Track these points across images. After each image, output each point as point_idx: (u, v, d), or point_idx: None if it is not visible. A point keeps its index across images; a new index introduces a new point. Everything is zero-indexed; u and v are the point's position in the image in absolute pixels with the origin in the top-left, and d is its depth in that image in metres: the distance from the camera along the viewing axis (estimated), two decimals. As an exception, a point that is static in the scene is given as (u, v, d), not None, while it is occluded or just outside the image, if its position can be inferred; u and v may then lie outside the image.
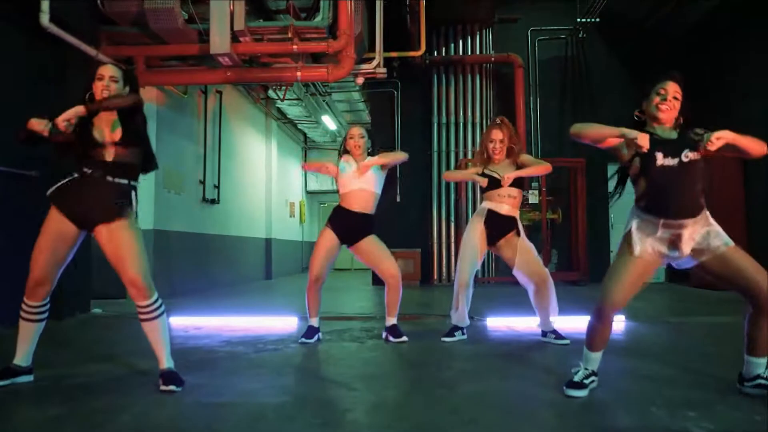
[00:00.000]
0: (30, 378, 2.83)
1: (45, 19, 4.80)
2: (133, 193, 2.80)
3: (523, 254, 3.94)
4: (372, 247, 4.02)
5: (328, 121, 12.98)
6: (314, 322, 4.09)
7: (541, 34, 10.04)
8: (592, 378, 2.63)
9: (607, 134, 2.50)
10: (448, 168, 9.72)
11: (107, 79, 2.78)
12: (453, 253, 9.67)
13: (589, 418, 2.31)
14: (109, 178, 2.71)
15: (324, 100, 11.53)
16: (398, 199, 9.79)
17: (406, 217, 9.81)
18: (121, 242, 2.67)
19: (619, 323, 4.64)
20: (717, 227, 2.50)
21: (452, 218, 9.80)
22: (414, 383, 2.95)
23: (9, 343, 2.87)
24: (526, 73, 9.84)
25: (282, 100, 10.32)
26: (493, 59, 9.80)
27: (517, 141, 4.14)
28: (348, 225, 3.99)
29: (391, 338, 4.04)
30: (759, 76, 7.88)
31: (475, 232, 3.99)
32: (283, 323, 4.88)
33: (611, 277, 2.55)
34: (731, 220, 8.00)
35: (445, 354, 3.69)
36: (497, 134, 4.00)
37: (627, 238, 2.54)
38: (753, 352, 2.51)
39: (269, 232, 12.36)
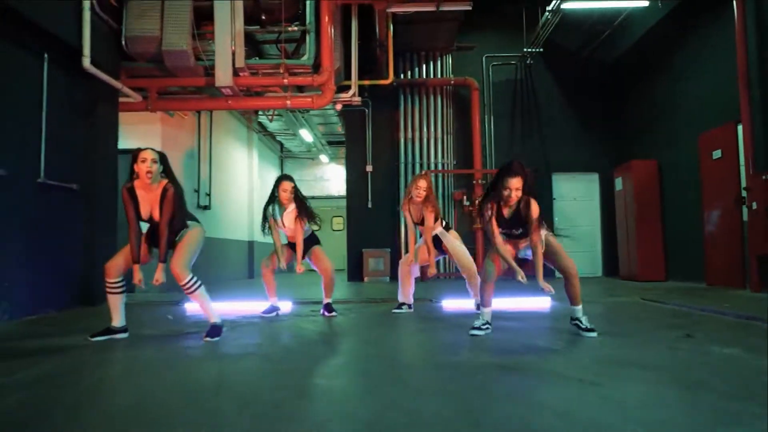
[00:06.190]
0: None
1: (87, 62, 5.90)
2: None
3: (451, 245, 5.40)
4: (319, 253, 5.25)
5: (305, 134, 14.15)
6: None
7: (495, 60, 11.46)
8: (488, 325, 4.01)
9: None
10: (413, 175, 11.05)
11: (149, 162, 3.65)
12: (418, 252, 11.00)
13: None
14: None
15: (302, 116, 12.73)
16: (369, 206, 11.06)
17: (377, 221, 11.07)
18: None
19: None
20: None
21: (417, 222, 11.08)
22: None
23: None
24: (481, 95, 11.24)
25: (271, 120, 11.47)
26: (452, 82, 11.17)
27: (432, 190, 5.47)
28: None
29: (326, 313, 5.15)
30: (676, 97, 9.42)
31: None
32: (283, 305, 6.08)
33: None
34: (649, 219, 9.58)
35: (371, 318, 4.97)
36: (422, 183, 5.37)
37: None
38: (571, 302, 3.99)
39: (251, 235, 13.48)
